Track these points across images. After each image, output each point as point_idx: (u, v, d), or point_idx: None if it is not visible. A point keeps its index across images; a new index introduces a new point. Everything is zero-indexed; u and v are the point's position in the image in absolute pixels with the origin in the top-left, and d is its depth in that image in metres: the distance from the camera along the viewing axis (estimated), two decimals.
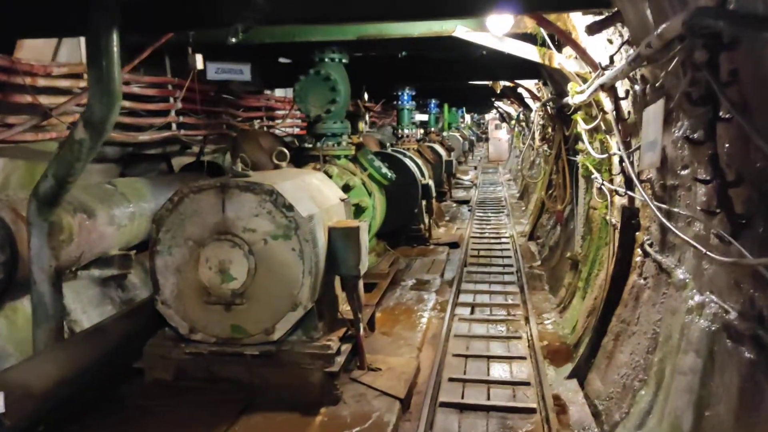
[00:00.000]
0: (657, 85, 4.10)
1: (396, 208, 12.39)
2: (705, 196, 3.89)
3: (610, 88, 5.59)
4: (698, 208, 3.99)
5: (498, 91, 14.87)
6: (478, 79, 14.09)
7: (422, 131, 22.94)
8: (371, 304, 7.72)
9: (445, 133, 27.14)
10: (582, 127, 7.29)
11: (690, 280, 4.18)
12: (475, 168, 34.93)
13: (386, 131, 21.24)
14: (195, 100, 9.47)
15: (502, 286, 10.13)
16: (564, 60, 7.44)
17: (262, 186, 5.43)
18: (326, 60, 8.85)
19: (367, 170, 9.31)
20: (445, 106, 29.75)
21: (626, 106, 5.81)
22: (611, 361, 5.63)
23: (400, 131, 16.92)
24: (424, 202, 13.69)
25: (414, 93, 16.93)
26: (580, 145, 8.43)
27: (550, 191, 13.03)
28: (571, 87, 7.52)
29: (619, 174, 5.83)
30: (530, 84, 13.87)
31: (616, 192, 5.85)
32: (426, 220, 13.86)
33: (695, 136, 3.74)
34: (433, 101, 23.80)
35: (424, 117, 21.30)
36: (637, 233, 5.80)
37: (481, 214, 18.61)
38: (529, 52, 7.86)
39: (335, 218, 6.40)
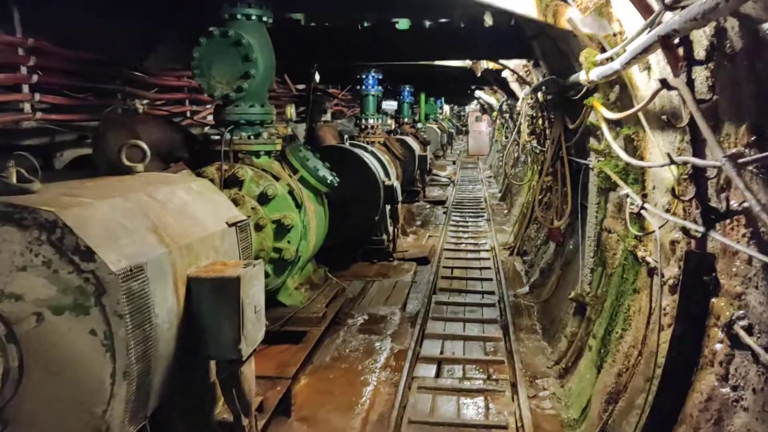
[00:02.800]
0: None
1: (350, 216, 10.01)
2: None
3: (679, 44, 3.14)
4: None
5: (478, 74, 12.39)
6: (456, 57, 11.60)
7: (394, 122, 20.45)
8: (286, 377, 5.23)
9: (420, 125, 24.61)
10: (605, 116, 4.83)
11: None
12: (454, 163, 32.52)
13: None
14: (68, 71, 6.92)
15: (480, 326, 7.68)
16: (578, 16, 4.98)
17: (37, 213, 2.89)
18: (238, 17, 6.29)
19: (298, 172, 6.77)
20: (422, 96, 27.25)
21: (700, 79, 3.36)
22: None
23: (363, 121, 14.36)
24: (388, 208, 11.23)
25: (380, 77, 14.37)
26: (593, 144, 5.99)
27: (541, 196, 10.62)
28: (585, 57, 5.07)
29: (691, 197, 3.36)
30: (517, 66, 11.43)
31: (686, 231, 3.42)
32: (390, 229, 11.39)
33: None
34: (407, 88, 21.24)
35: (393, 105, 18.70)
36: (713, 300, 3.35)
37: (457, 218, 16.16)
38: (523, 4, 5.39)
39: (210, 257, 3.90)
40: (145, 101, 6.62)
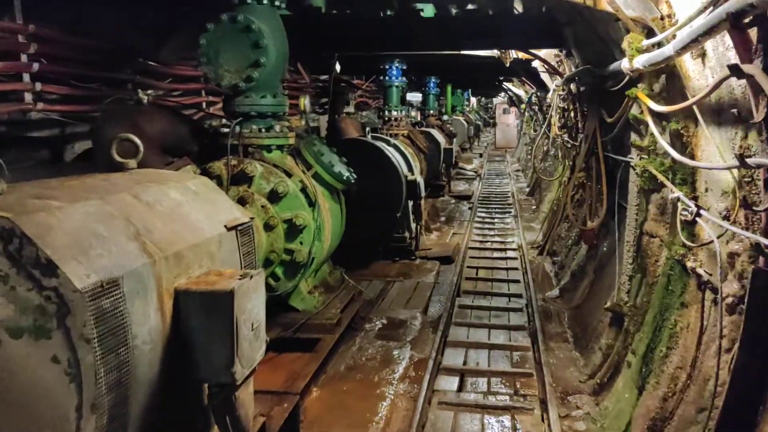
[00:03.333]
0: None
1: (370, 213, 9.58)
2: None
3: (751, 24, 2.62)
4: None
5: (507, 64, 11.82)
6: (483, 46, 11.04)
7: (418, 114, 19.94)
8: (294, 392, 4.80)
9: (446, 117, 24.02)
10: (653, 108, 4.30)
11: None
12: (481, 155, 31.86)
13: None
14: (74, 60, 6.63)
15: (506, 334, 7.18)
16: None
17: None
18: (249, 1, 5.85)
19: (312, 168, 6.33)
20: (448, 88, 26.66)
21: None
22: None
23: (386, 113, 13.87)
24: (410, 204, 10.75)
25: (405, 67, 13.86)
26: (636, 139, 5.44)
27: (573, 193, 10.05)
28: (629, 43, 4.53)
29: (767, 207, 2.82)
30: (548, 55, 10.84)
31: (758, 247, 2.89)
32: (412, 226, 10.91)
33: None
34: (433, 79, 20.67)
35: (417, 97, 18.14)
36: None
37: (483, 214, 15.62)
38: None
39: (204, 266, 3.49)
40: (149, 91, 6.26)
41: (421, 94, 19.42)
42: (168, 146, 6.07)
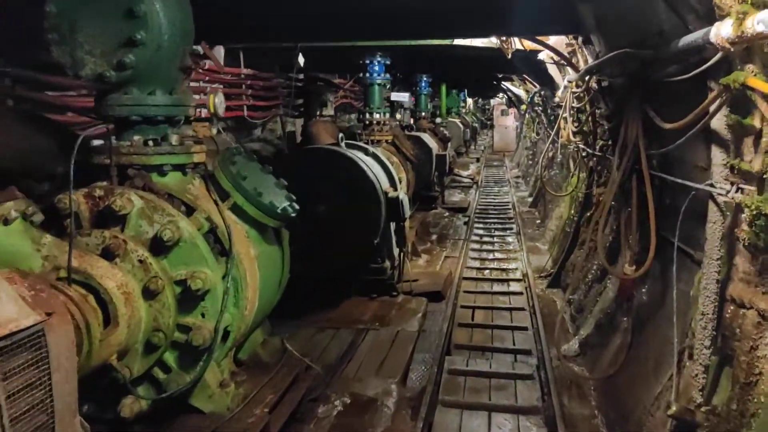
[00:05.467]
0: None
1: (341, 240, 7.73)
2: None
3: None
4: None
5: (509, 56, 9.82)
6: (480, 33, 9.08)
7: (408, 117, 17.96)
8: None
9: (439, 120, 22.00)
10: None
11: None
12: (478, 160, 29.83)
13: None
14: None
15: (513, 421, 5.18)
16: None
17: None
18: None
19: (230, 198, 4.33)
20: (443, 88, 24.66)
21: None
22: None
23: (367, 116, 11.84)
24: (392, 227, 8.77)
25: (388, 62, 11.83)
26: (725, 158, 3.42)
27: (591, 212, 8.09)
28: None
29: None
30: (558, 43, 8.84)
31: None
32: (394, 253, 8.91)
33: None
34: (424, 78, 18.66)
35: (405, 96, 16.02)
36: None
37: (481, 231, 13.60)
38: None
39: None
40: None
41: (408, 94, 17.32)
42: (12, 167, 4.07)
